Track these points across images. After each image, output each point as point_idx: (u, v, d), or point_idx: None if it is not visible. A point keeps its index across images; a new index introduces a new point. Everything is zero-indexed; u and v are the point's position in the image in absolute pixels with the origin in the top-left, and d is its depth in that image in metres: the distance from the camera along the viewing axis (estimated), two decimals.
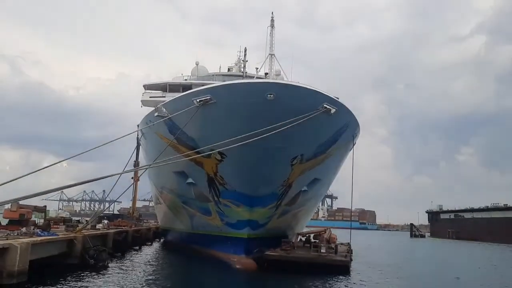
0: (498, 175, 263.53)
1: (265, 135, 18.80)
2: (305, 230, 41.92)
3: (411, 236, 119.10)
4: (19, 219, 24.44)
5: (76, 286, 17.99)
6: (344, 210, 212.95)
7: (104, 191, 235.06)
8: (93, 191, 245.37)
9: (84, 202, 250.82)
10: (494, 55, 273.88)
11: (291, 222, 33.60)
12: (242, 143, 18.29)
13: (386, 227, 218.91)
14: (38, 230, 22.24)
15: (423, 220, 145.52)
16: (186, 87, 38.27)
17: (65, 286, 17.84)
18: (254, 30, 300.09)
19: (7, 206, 24.09)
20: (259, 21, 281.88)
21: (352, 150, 29.21)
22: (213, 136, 22.33)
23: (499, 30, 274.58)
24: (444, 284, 25.58)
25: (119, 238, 31.79)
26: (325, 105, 21.14)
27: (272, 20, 34.22)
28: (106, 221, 37.54)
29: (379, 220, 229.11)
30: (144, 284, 20.34)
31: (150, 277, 23.11)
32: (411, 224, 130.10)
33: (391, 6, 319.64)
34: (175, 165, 25.37)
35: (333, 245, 29.56)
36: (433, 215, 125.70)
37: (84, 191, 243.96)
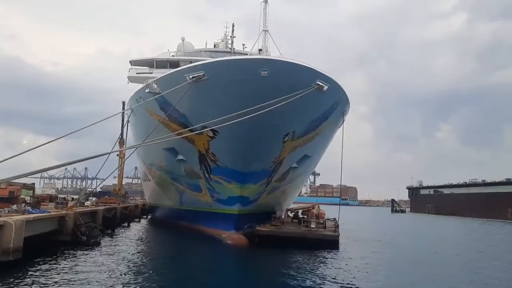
0: (475, 152, 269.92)
1: (258, 112, 18.75)
2: (292, 206, 42.59)
3: (392, 211, 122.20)
4: (9, 197, 24.19)
5: (73, 263, 18.01)
6: (326, 186, 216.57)
7: (86, 168, 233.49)
8: (75, 168, 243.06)
9: (66, 179, 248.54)
10: (475, 33, 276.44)
11: (279, 198, 34.05)
12: (235, 121, 18.26)
13: (367, 203, 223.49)
14: (28, 207, 22.09)
15: (403, 196, 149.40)
16: (173, 63, 37.91)
17: (62, 263, 17.85)
18: (239, 5, 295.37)
19: None
20: None
21: (341, 127, 29.43)
22: (206, 112, 22.22)
23: (479, 8, 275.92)
24: (428, 257, 26.32)
25: (108, 215, 31.72)
26: (318, 82, 21.14)
27: None
28: (94, 198, 37.38)
29: (360, 196, 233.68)
30: (139, 260, 20.57)
31: (143, 253, 23.36)
32: (392, 200, 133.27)
33: None
34: (165, 141, 25.28)
35: (321, 221, 30.10)
36: (414, 191, 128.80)
37: (66, 168, 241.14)
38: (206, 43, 46.47)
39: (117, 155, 53.10)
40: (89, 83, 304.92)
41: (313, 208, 33.53)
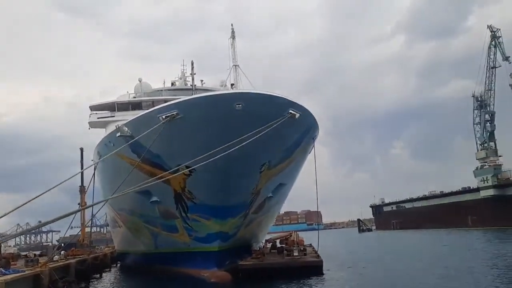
0: (429, 165, 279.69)
1: (236, 147, 19.00)
2: (267, 236, 42.41)
3: (359, 231, 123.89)
4: None
5: None
6: (291, 213, 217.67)
7: (40, 221, 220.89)
8: (27, 223, 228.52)
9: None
10: (415, 52, 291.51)
11: (256, 229, 33.84)
12: (213, 159, 18.38)
13: (332, 226, 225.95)
14: (1, 268, 20.79)
15: (367, 214, 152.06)
16: (135, 104, 37.73)
17: None
18: (182, 43, 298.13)
19: None
20: (189, 33, 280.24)
21: (312, 151, 29.97)
22: (182, 151, 22.10)
23: (414, 29, 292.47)
24: (416, 276, 26.59)
25: (81, 268, 30.33)
26: (290, 111, 21.63)
27: (233, 32, 34.80)
28: (62, 252, 35.63)
29: (325, 219, 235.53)
30: None
31: None
32: (358, 220, 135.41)
33: (317, 10, 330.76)
34: (138, 184, 24.67)
35: (302, 248, 30.18)
36: (377, 209, 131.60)
37: (18, 224, 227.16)
38: (164, 82, 46.59)
39: (79, 204, 51.22)
40: (38, 132, 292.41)
41: (291, 236, 33.58)
